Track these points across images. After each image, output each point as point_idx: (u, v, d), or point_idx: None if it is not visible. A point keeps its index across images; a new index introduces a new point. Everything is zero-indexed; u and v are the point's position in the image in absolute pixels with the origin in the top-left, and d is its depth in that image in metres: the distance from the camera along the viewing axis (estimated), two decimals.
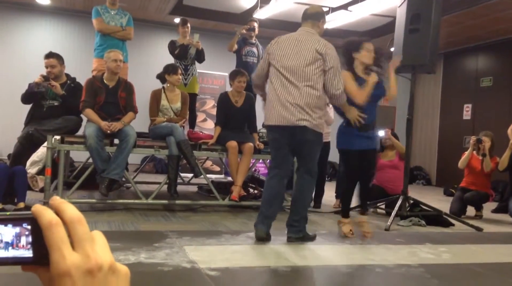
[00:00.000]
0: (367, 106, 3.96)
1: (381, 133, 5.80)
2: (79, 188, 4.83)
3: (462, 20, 8.56)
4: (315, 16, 3.83)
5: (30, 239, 0.44)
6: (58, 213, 0.44)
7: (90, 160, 4.90)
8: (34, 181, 5.82)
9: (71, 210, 0.45)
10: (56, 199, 0.46)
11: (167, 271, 2.71)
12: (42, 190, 5.44)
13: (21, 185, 4.33)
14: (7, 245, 0.44)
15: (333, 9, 8.54)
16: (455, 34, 9.42)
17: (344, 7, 8.38)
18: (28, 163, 5.56)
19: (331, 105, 4.99)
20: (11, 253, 0.44)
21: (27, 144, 4.80)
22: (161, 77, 5.41)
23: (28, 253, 0.44)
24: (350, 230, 4.05)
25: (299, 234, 3.70)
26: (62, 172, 4.65)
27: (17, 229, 0.44)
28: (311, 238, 3.80)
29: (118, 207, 4.88)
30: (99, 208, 4.75)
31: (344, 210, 4.19)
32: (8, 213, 0.45)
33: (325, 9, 8.58)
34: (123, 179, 5.04)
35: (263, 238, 3.62)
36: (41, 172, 5.73)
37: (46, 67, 5.02)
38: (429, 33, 4.66)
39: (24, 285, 2.34)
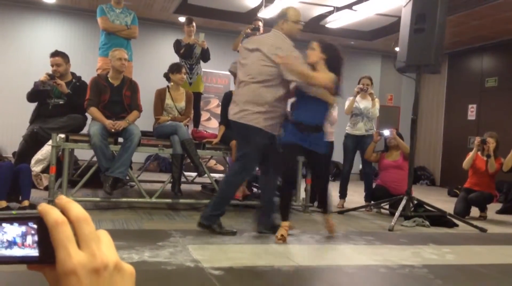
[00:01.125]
0: (310, 105, 3.84)
1: (386, 132, 5.80)
2: (83, 187, 4.85)
3: (467, 20, 8.53)
4: (276, 18, 4.00)
5: (36, 238, 0.44)
6: (64, 212, 0.45)
7: (95, 159, 4.91)
8: (39, 179, 5.84)
9: (77, 209, 0.45)
10: (62, 198, 0.46)
11: (170, 270, 2.71)
12: (46, 188, 5.46)
13: (26, 183, 4.35)
14: (13, 244, 0.44)
15: (338, 9, 8.53)
16: (460, 34, 9.39)
17: (349, 6, 8.37)
18: (32, 161, 5.58)
19: (334, 104, 4.87)
20: (17, 252, 0.44)
21: (31, 142, 4.83)
22: (166, 76, 5.42)
23: (34, 252, 0.44)
24: (282, 235, 3.66)
25: (206, 221, 3.80)
26: (66, 170, 4.66)
27: (23, 228, 0.44)
28: (219, 232, 3.77)
29: (122, 205, 4.89)
30: (103, 207, 4.77)
31: (283, 212, 3.86)
32: (14, 212, 0.45)
33: (330, 9, 8.60)
34: (127, 177, 5.05)
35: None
36: (45, 170, 5.75)
37: (52, 65, 5.04)
38: (434, 33, 4.64)
39: (27, 284, 2.35)
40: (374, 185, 6.03)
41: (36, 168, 5.79)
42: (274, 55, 3.69)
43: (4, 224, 0.44)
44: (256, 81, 3.76)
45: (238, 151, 3.95)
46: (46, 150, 5.63)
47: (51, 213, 0.44)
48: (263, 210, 4.09)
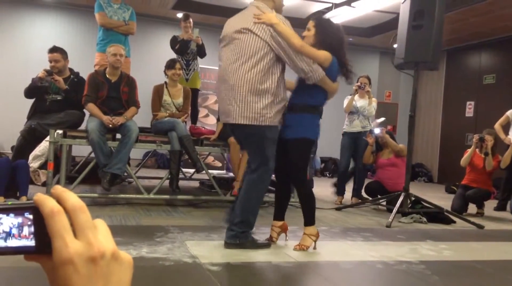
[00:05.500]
0: (301, 84, 3.35)
1: (376, 130, 5.87)
2: (81, 183, 4.84)
3: (465, 17, 8.53)
4: None
5: (32, 228, 0.44)
6: (60, 201, 0.44)
7: (92, 155, 4.91)
8: (37, 175, 5.84)
9: (73, 199, 0.45)
10: (58, 188, 0.46)
11: (168, 266, 2.71)
12: (44, 184, 5.46)
13: (24, 179, 4.34)
14: (10, 234, 0.44)
15: (336, 5, 8.52)
16: (459, 31, 9.39)
17: (347, 3, 8.36)
18: (30, 157, 5.58)
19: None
20: (14, 242, 0.44)
21: (29, 138, 4.82)
22: (164, 72, 5.43)
23: (31, 243, 0.44)
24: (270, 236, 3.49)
25: (234, 240, 3.22)
26: (64, 166, 4.66)
27: (20, 219, 0.44)
28: (256, 246, 3.26)
29: (120, 201, 4.89)
30: (101, 203, 4.77)
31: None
32: (10, 202, 0.45)
33: (328, 5, 8.59)
34: (125, 174, 5.04)
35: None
36: (43, 166, 5.75)
37: (50, 61, 5.04)
38: (433, 29, 4.64)
39: (27, 279, 2.35)
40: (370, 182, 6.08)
41: (34, 164, 5.78)
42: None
43: (0, 215, 0.44)
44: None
45: None
46: (44, 146, 5.62)
47: (47, 203, 0.44)
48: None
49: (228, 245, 3.23)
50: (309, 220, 3.40)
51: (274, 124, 3.22)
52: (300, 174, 3.39)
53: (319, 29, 3.33)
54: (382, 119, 5.98)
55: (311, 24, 3.38)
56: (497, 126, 6.52)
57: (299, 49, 3.13)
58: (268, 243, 3.38)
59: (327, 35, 3.30)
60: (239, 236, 3.22)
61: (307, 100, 3.33)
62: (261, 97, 3.13)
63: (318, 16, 3.57)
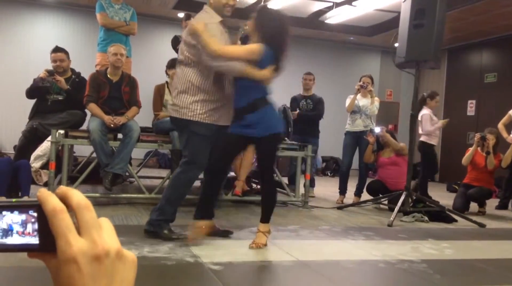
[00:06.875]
0: (238, 87, 3.34)
1: (377, 129, 5.88)
2: (83, 182, 4.85)
3: (466, 16, 8.52)
4: None
5: (36, 226, 0.44)
6: (65, 199, 0.44)
7: (94, 155, 4.91)
8: (38, 175, 5.84)
9: (78, 196, 0.45)
10: (62, 188, 0.46)
11: (170, 265, 2.72)
12: (46, 184, 5.46)
13: (25, 179, 4.35)
14: (13, 232, 0.44)
15: (337, 4, 8.52)
16: (460, 30, 9.38)
17: (348, 2, 8.36)
18: (32, 157, 5.59)
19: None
20: (18, 240, 0.44)
21: (31, 138, 4.84)
22: (166, 72, 5.43)
23: (35, 240, 0.44)
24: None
25: (149, 227, 3.36)
26: (66, 166, 4.67)
27: (23, 216, 0.44)
28: (164, 237, 3.29)
29: (121, 201, 4.90)
30: (103, 203, 4.77)
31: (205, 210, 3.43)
32: (14, 200, 0.45)
33: (329, 4, 8.59)
34: (127, 173, 5.05)
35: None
36: (45, 166, 5.75)
37: (55, 61, 5.06)
38: (434, 28, 4.64)
39: (28, 279, 2.36)
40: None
41: (35, 164, 5.79)
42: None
43: (4, 212, 0.44)
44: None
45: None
46: (45, 146, 5.63)
47: (50, 201, 0.43)
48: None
49: (145, 231, 3.38)
50: (267, 217, 3.38)
51: (205, 121, 3.28)
52: (270, 171, 3.43)
53: (257, 20, 3.36)
54: (379, 128, 5.97)
55: (252, 14, 3.43)
56: (500, 125, 6.53)
57: (219, 54, 3.20)
58: (183, 237, 3.34)
59: (263, 24, 3.32)
60: (153, 224, 3.35)
61: (252, 97, 3.27)
62: (193, 94, 3.28)
63: (259, 6, 3.61)
